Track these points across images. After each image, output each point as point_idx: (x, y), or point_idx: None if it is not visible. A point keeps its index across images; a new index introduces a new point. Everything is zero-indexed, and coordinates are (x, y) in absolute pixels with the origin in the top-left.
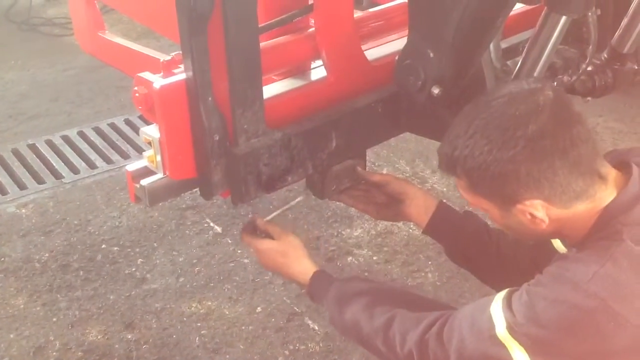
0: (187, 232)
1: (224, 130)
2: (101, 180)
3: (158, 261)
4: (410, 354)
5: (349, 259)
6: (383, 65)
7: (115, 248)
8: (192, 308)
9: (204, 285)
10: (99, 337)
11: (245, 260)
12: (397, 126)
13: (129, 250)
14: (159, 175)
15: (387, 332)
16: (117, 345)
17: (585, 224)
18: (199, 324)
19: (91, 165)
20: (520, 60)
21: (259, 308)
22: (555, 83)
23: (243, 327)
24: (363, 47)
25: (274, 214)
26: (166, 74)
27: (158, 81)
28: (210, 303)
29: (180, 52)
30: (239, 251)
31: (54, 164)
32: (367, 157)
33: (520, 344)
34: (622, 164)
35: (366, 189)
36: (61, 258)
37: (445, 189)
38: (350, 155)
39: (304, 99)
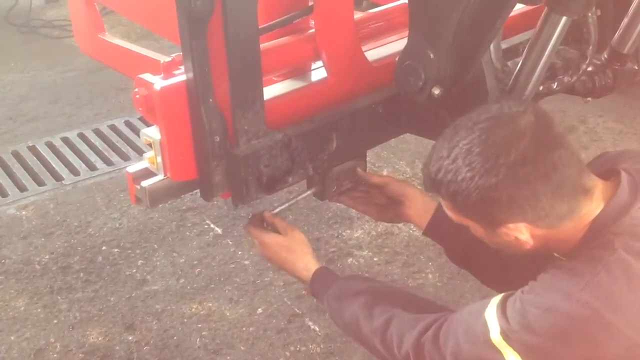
0: (187, 233)
1: (224, 132)
2: (101, 182)
3: (158, 263)
4: (407, 355)
5: (350, 260)
6: (383, 66)
7: (116, 250)
8: (193, 309)
9: (204, 287)
10: (99, 338)
11: (246, 262)
12: (397, 127)
13: (130, 251)
14: (160, 177)
15: (385, 333)
16: (117, 347)
17: (573, 237)
18: (199, 325)
19: (91, 166)
20: (520, 60)
21: (259, 309)
22: (555, 84)
23: (244, 329)
24: (363, 48)
25: (283, 206)
26: (167, 76)
27: (159, 83)
28: (210, 304)
29: (181, 53)
30: (239, 252)
31: (54, 166)
32: (367, 158)
33: (514, 349)
34: (609, 172)
35: (366, 190)
36: (61, 260)
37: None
38: (351, 156)
39: (305, 100)
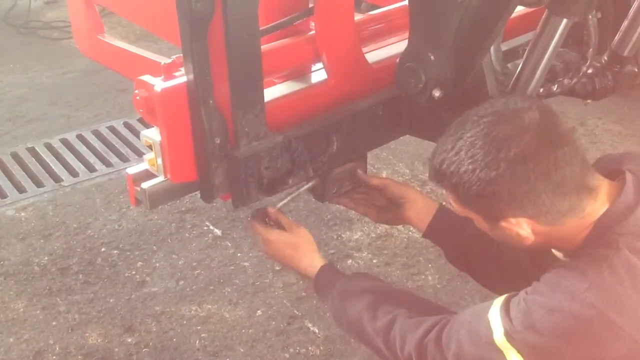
0: (186, 235)
1: (224, 133)
2: (100, 184)
3: (158, 264)
4: (410, 357)
5: (349, 261)
6: (384, 68)
7: (115, 251)
8: (192, 311)
9: (203, 289)
10: (98, 340)
11: (245, 264)
12: (398, 129)
13: (129, 253)
14: (160, 178)
15: (388, 334)
16: (117, 349)
17: (576, 236)
18: (199, 327)
19: (90, 168)
20: (521, 62)
21: (259, 311)
22: (555, 86)
23: (243, 331)
24: (364, 50)
25: (285, 200)
26: (167, 77)
27: (159, 84)
28: (210, 306)
29: (181, 55)
30: (238, 254)
31: (53, 167)
32: (367, 160)
33: (517, 350)
34: (614, 172)
35: (367, 192)
36: (60, 261)
37: (444, 191)
38: (351, 158)
39: (305, 102)
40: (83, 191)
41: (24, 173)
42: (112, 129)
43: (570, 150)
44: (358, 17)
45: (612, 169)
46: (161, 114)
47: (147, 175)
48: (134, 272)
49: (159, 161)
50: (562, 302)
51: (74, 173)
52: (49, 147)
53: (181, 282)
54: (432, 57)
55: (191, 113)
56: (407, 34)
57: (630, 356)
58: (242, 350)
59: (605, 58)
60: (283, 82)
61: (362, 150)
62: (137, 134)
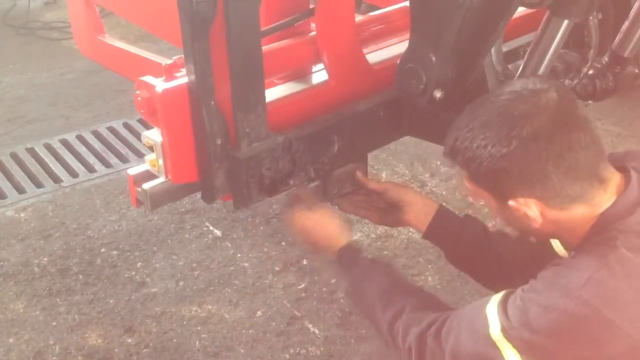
0: (186, 235)
1: (226, 134)
2: (100, 184)
3: (158, 265)
4: (410, 349)
5: None
6: (384, 69)
7: (115, 252)
8: (192, 312)
9: (203, 289)
10: (98, 341)
11: (245, 264)
12: (398, 130)
13: (129, 254)
14: (161, 179)
15: (394, 324)
16: (117, 350)
17: (583, 227)
18: (199, 328)
19: (90, 169)
20: (522, 63)
21: (259, 312)
22: None
23: (243, 331)
24: (364, 51)
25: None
26: (168, 78)
27: (160, 85)
28: (210, 307)
29: (182, 55)
30: (238, 255)
31: (53, 168)
32: (367, 160)
33: (513, 346)
34: (620, 169)
35: (367, 194)
36: (60, 262)
37: (444, 192)
38: (352, 159)
39: (306, 103)
40: (83, 192)
41: (23, 174)
42: (111, 130)
43: (585, 135)
44: (359, 18)
45: (616, 167)
46: (162, 114)
47: (148, 176)
48: (133, 273)
49: (160, 162)
50: (557, 300)
51: (73, 174)
52: (49, 148)
53: (181, 283)
54: (433, 58)
55: (192, 114)
56: (407, 35)
57: (629, 354)
58: (242, 350)
59: (606, 59)
60: (284, 83)
61: (363, 151)
62: (136, 135)
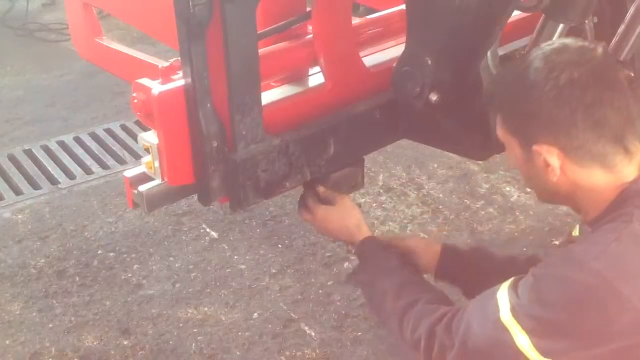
0: (183, 237)
1: (222, 137)
2: (97, 186)
3: (154, 267)
4: (418, 341)
5: (346, 264)
6: (381, 72)
7: (111, 254)
8: (189, 314)
9: (200, 291)
10: (95, 343)
11: (242, 266)
12: (395, 132)
13: (125, 256)
14: (157, 181)
15: (404, 315)
16: (113, 351)
17: (602, 198)
18: (195, 330)
19: (87, 170)
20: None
21: (255, 314)
22: None
23: (239, 333)
24: (361, 54)
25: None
26: (165, 80)
27: (157, 87)
28: (206, 309)
29: (179, 58)
30: (235, 257)
31: (50, 170)
32: (364, 163)
33: (522, 327)
34: None
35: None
36: (57, 264)
37: (441, 195)
38: (349, 161)
39: (302, 105)
40: (80, 193)
41: (20, 175)
42: (109, 132)
43: (619, 98)
44: (355, 20)
45: None
46: (159, 117)
47: (145, 178)
48: (130, 275)
49: (157, 164)
50: (569, 271)
51: (70, 175)
52: (46, 149)
53: (177, 285)
54: (429, 61)
55: (189, 116)
56: (404, 38)
57: (636, 330)
58: (238, 353)
59: None
60: (281, 85)
61: (359, 154)
62: (134, 137)
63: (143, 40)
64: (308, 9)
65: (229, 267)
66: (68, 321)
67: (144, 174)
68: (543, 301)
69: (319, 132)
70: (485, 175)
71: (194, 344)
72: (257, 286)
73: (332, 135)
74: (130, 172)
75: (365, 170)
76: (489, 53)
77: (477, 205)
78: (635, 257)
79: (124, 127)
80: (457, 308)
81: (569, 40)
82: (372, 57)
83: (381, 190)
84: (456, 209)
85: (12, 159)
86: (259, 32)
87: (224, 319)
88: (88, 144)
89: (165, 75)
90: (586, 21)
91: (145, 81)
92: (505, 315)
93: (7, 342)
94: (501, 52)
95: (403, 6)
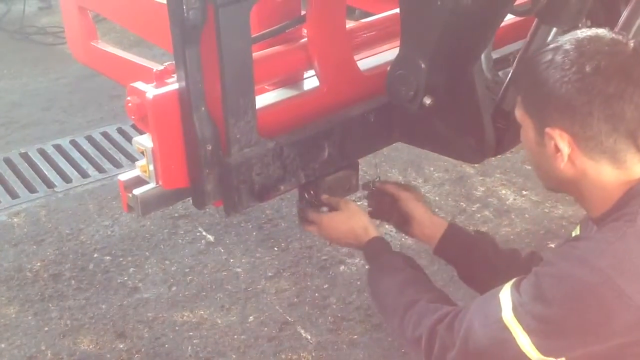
0: (179, 241)
1: (216, 140)
2: (93, 189)
3: (150, 270)
4: (419, 339)
5: (342, 267)
6: (375, 76)
7: (107, 257)
8: (184, 317)
9: (196, 295)
10: (90, 346)
11: (238, 269)
12: (389, 136)
13: (121, 259)
14: (152, 185)
15: (406, 313)
16: (108, 355)
17: (607, 194)
18: (191, 333)
19: (83, 174)
20: (511, 70)
21: (251, 317)
22: None
23: (235, 337)
24: (355, 57)
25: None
26: (159, 84)
27: (151, 91)
28: (202, 312)
29: (173, 62)
30: (231, 260)
31: (46, 173)
32: (359, 166)
33: (524, 327)
34: None
35: (380, 200)
36: (53, 267)
37: (437, 198)
38: (343, 165)
39: (297, 109)
40: (76, 197)
41: (16, 179)
42: (105, 135)
43: None
44: (350, 24)
45: None
46: (153, 120)
47: (139, 181)
48: (126, 278)
49: (151, 167)
50: (572, 269)
51: (67, 179)
52: (42, 153)
53: (173, 288)
54: (422, 65)
55: (183, 120)
56: (398, 42)
57: (637, 329)
58: (234, 356)
59: None
60: (275, 89)
61: (354, 157)
62: (130, 140)
63: (140, 44)
64: (302, 13)
65: (225, 270)
66: (64, 325)
67: (138, 177)
68: (544, 298)
69: (313, 135)
70: (481, 178)
71: (189, 348)
72: (253, 289)
73: (327, 139)
74: (125, 176)
75: (360, 173)
76: (482, 56)
77: (473, 208)
78: (638, 257)
79: (120, 131)
80: (459, 308)
81: (601, 30)
82: (367, 61)
83: None
84: (452, 211)
85: (8, 162)
86: (253, 35)
87: (219, 322)
88: (84, 147)
89: (159, 78)
90: (579, 25)
91: (139, 85)
92: (507, 315)
93: (3, 345)
94: (495, 55)
95: (397, 10)
